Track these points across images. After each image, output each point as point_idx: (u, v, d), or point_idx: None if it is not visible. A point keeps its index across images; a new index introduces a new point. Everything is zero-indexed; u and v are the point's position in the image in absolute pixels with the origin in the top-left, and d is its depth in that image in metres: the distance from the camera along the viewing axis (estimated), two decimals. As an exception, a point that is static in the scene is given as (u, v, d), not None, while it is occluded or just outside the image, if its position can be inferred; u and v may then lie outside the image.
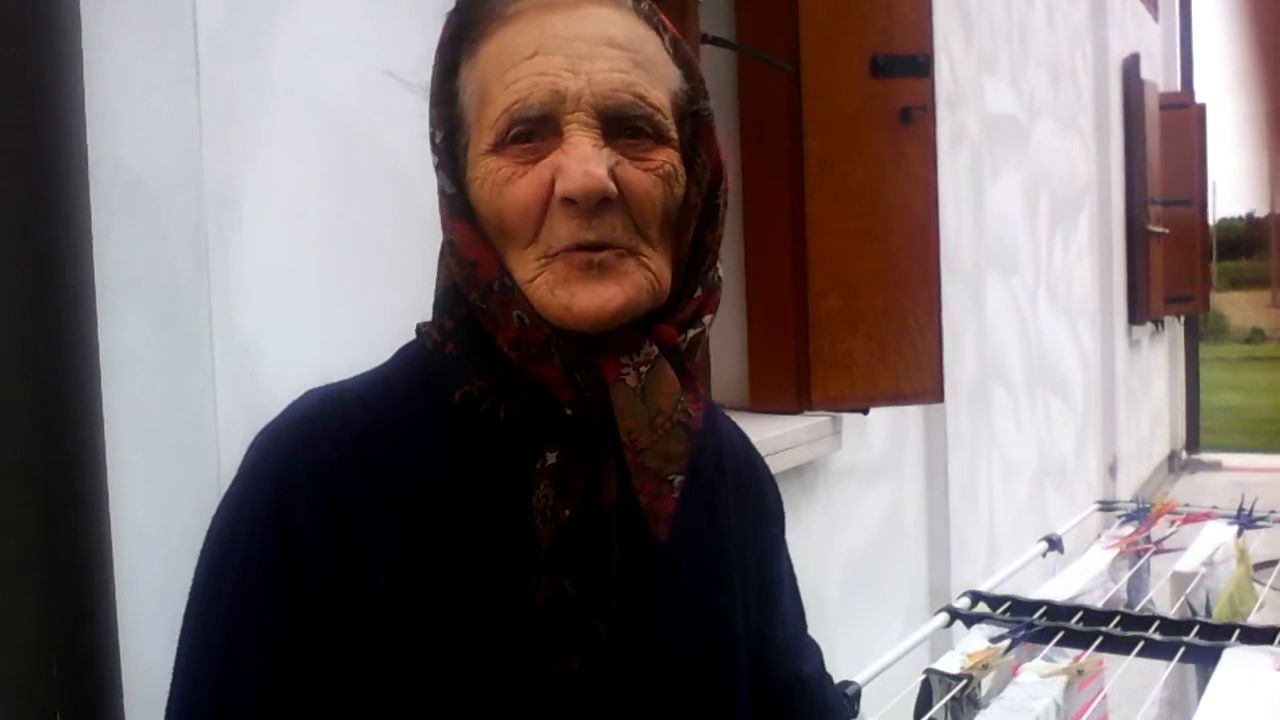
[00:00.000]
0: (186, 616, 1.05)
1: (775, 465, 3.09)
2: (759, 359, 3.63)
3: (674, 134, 1.04)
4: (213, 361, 1.62)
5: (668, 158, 1.03)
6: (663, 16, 1.09)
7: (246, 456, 1.07)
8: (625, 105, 1.00)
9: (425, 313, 1.12)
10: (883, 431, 4.21)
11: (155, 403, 1.63)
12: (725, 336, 3.61)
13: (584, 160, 0.97)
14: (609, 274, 0.99)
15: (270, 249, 1.70)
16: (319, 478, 1.02)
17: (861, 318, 3.47)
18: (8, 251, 1.53)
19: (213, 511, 1.07)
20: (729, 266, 3.54)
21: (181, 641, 1.05)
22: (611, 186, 0.97)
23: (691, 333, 1.07)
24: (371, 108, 1.87)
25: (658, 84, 1.03)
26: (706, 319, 1.09)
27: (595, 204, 0.97)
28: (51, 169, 1.57)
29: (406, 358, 1.13)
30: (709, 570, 1.18)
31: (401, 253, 1.89)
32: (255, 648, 1.01)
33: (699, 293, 1.08)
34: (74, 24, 1.58)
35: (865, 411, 3.66)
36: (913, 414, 4.47)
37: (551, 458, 1.04)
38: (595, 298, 0.99)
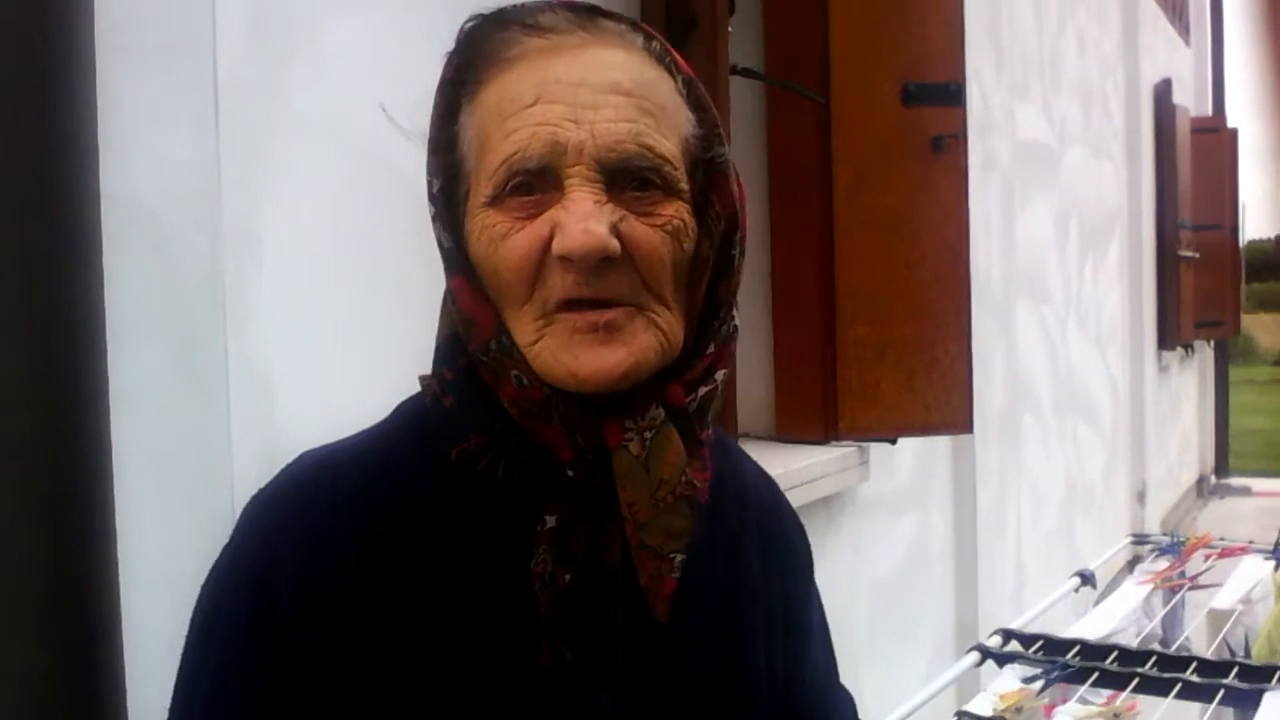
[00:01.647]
0: (178, 677, 1.03)
1: (802, 496, 3.08)
2: (786, 388, 3.59)
3: (684, 185, 0.99)
4: (228, 398, 1.60)
5: (676, 211, 0.97)
6: (676, 56, 1.03)
7: (240, 520, 1.04)
8: (631, 157, 0.95)
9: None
10: (910, 461, 4.16)
11: (168, 440, 1.61)
12: (752, 365, 3.57)
13: (583, 218, 0.92)
14: (615, 335, 0.94)
15: (288, 285, 1.68)
16: (306, 546, 0.99)
17: (890, 347, 3.42)
18: (19, 286, 1.51)
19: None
20: (756, 295, 3.50)
21: (172, 703, 1.03)
22: (614, 245, 0.92)
23: (703, 391, 1.02)
24: (392, 142, 1.83)
25: (668, 132, 0.98)
26: (719, 375, 1.03)
27: (596, 263, 0.92)
28: (65, 205, 1.55)
29: (407, 412, 1.10)
30: (729, 624, 1.13)
31: (421, 289, 1.86)
32: (237, 715, 0.98)
33: (712, 349, 1.03)
34: (89, 60, 1.56)
35: (893, 441, 3.61)
36: (941, 443, 4.42)
37: (551, 520, 0.99)
38: (601, 361, 0.94)
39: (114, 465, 1.60)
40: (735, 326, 1.06)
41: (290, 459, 1.08)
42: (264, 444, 1.62)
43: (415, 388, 1.10)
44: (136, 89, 1.59)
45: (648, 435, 0.96)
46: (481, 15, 1.03)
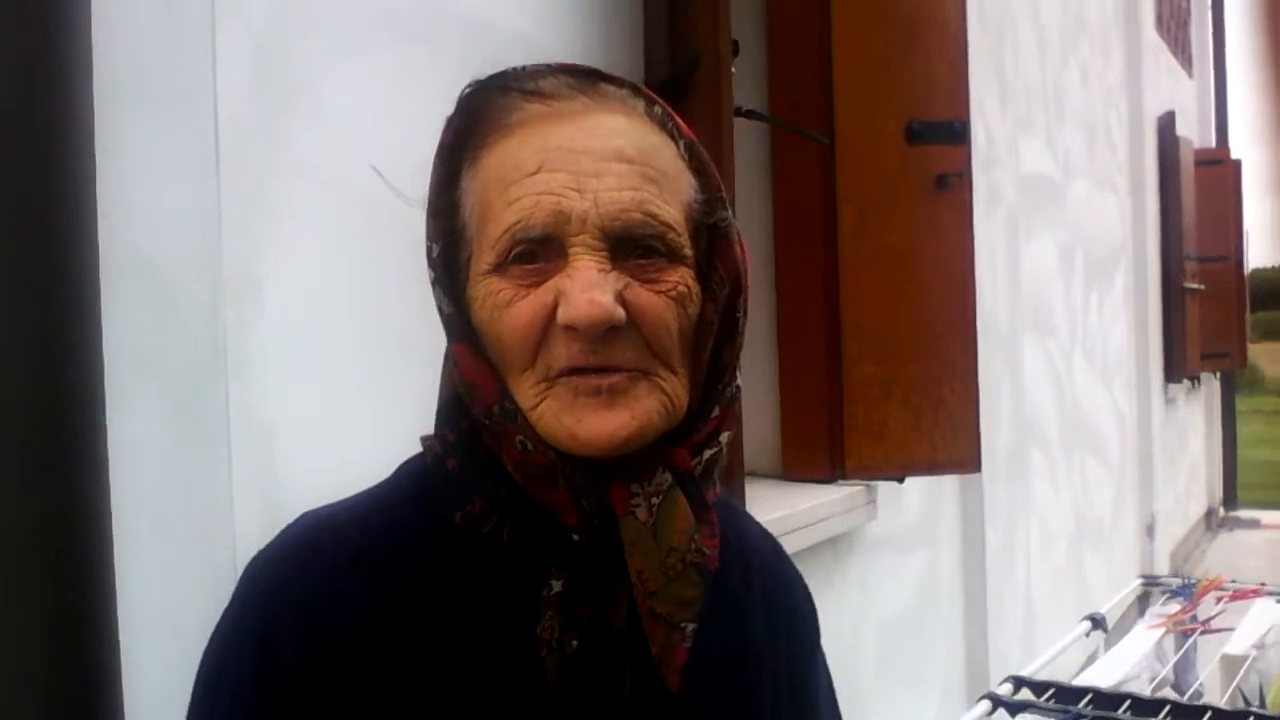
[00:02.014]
0: None
1: (809, 537, 3.06)
2: (792, 427, 3.57)
3: (688, 251, 0.98)
4: (229, 449, 1.58)
5: (681, 277, 0.97)
6: (678, 120, 1.03)
7: (241, 580, 1.03)
8: (635, 225, 0.94)
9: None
10: (918, 499, 4.14)
11: (168, 490, 1.59)
12: (758, 404, 3.55)
13: (588, 287, 0.91)
14: (619, 399, 0.94)
15: (289, 333, 1.66)
16: (307, 610, 0.98)
17: (897, 385, 3.40)
18: (17, 336, 1.49)
19: (225, 602, 1.04)
20: (761, 334, 3.50)
21: None
22: (619, 313, 0.92)
23: (708, 454, 1.01)
24: (395, 186, 1.83)
25: (670, 199, 0.97)
26: (724, 437, 1.03)
27: (601, 332, 0.92)
28: (64, 255, 1.53)
29: (408, 473, 1.09)
30: (735, 690, 1.11)
31: (425, 339, 1.85)
32: None
33: (716, 411, 1.02)
34: (88, 108, 1.55)
35: (901, 480, 3.59)
36: (948, 480, 4.39)
37: (557, 585, 0.98)
38: (604, 425, 0.93)
39: (113, 517, 1.58)
40: (738, 387, 1.06)
41: (292, 509, 1.07)
42: (265, 494, 1.61)
43: (418, 435, 1.09)
44: (136, 137, 1.58)
45: (655, 501, 0.95)
46: (480, 81, 1.02)
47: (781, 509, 2.95)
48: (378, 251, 1.80)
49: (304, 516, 1.06)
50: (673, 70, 2.49)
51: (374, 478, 1.11)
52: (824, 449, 3.43)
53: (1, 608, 1.47)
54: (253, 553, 1.05)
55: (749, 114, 3.07)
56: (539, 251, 0.94)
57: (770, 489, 3.34)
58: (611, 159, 0.95)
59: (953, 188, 3.41)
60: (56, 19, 1.52)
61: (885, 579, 3.89)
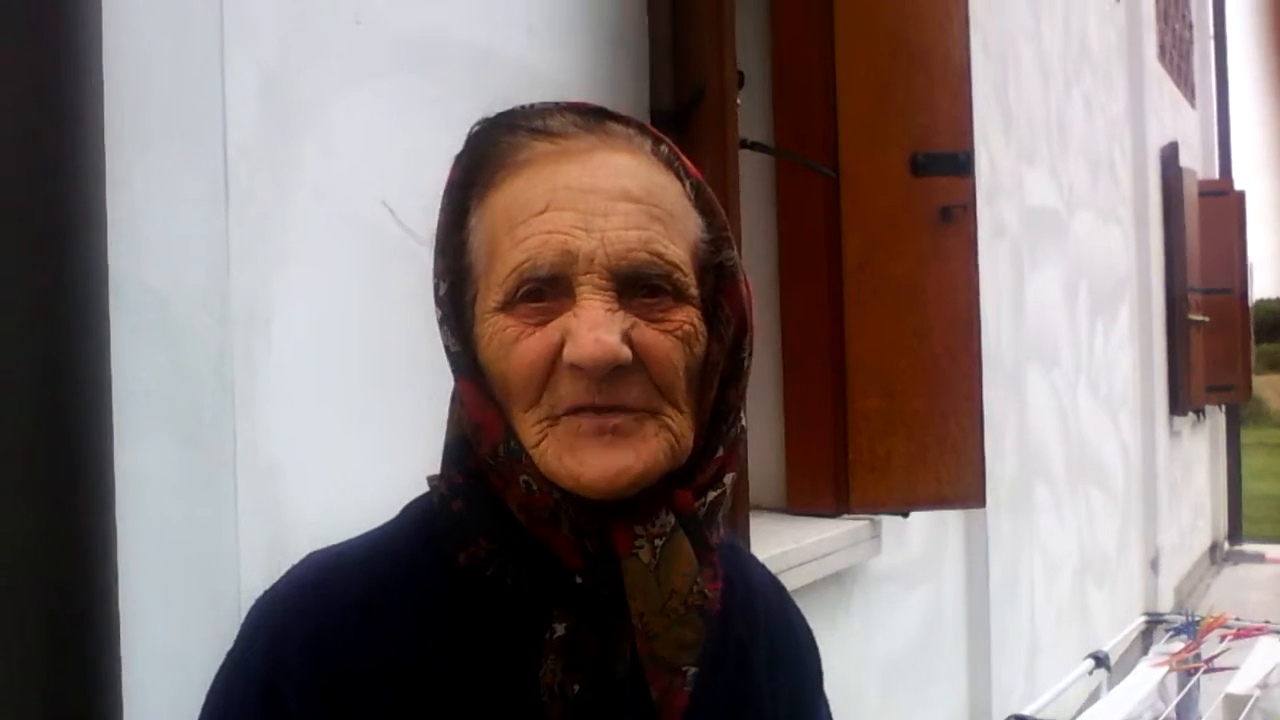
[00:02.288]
0: None
1: (814, 571, 3.05)
2: (797, 460, 3.56)
3: (694, 291, 0.98)
4: (235, 485, 1.57)
5: (687, 317, 0.97)
6: (684, 160, 1.03)
7: (246, 621, 1.03)
8: (642, 265, 0.94)
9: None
10: (922, 533, 4.12)
11: (174, 527, 1.59)
12: (763, 438, 3.54)
13: (595, 326, 0.91)
14: (624, 439, 0.93)
15: (299, 369, 1.66)
16: (312, 651, 0.97)
17: (901, 419, 3.39)
18: (27, 371, 1.49)
19: (231, 639, 1.03)
20: (766, 367, 3.49)
21: None
22: (625, 353, 0.91)
23: (711, 495, 1.00)
24: (406, 220, 1.83)
25: (677, 238, 0.97)
26: (728, 478, 1.02)
27: (608, 372, 0.91)
28: (72, 289, 1.53)
29: (413, 514, 1.08)
30: None
31: (434, 376, 1.84)
32: None
33: (720, 452, 1.02)
34: (98, 140, 1.55)
35: (905, 515, 3.58)
36: (952, 515, 4.37)
37: (560, 629, 0.97)
38: (607, 467, 0.92)
39: (119, 552, 1.57)
40: (743, 428, 1.05)
41: (297, 546, 1.07)
42: (271, 531, 1.60)
43: (425, 474, 1.09)
44: (146, 169, 1.58)
45: (658, 543, 0.95)
46: (488, 119, 1.02)
47: (786, 543, 2.94)
48: (387, 285, 1.80)
49: (310, 557, 1.05)
50: (678, 102, 2.49)
51: (381, 516, 1.10)
52: (828, 483, 3.42)
53: (5, 639, 1.47)
54: (257, 589, 1.05)
55: (754, 146, 3.07)
56: (546, 290, 0.94)
57: (774, 523, 3.32)
58: (618, 198, 0.95)
59: (957, 219, 3.40)
60: (67, 52, 1.52)
61: (889, 614, 3.87)
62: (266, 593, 1.04)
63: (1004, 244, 4.98)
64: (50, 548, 1.51)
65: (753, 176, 3.43)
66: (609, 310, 0.92)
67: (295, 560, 1.06)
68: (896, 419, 3.38)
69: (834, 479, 3.40)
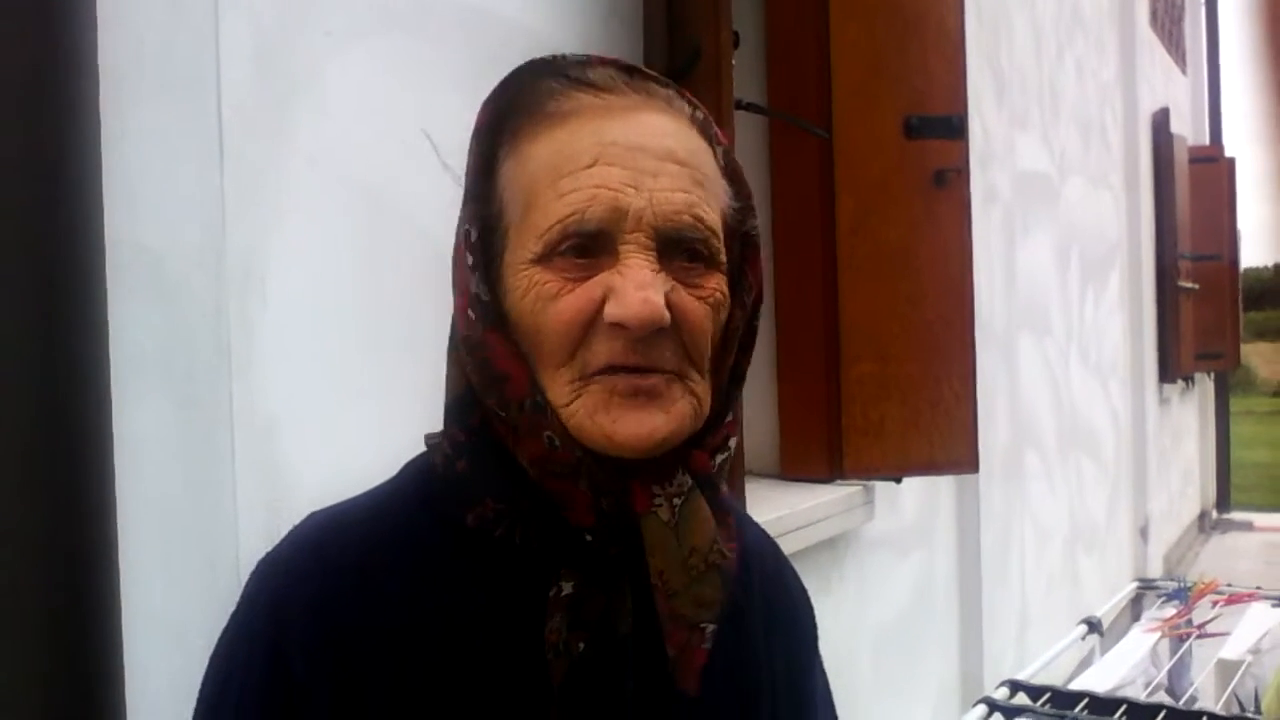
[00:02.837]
0: None
1: (807, 537, 3.05)
2: (790, 426, 3.56)
3: (724, 258, 0.98)
4: (232, 446, 1.56)
5: (718, 284, 0.97)
6: (717, 128, 1.02)
7: (248, 583, 1.02)
8: (685, 228, 0.94)
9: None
10: (915, 499, 4.13)
11: (172, 490, 1.57)
12: (757, 403, 3.53)
13: (642, 286, 0.90)
14: (655, 401, 0.93)
15: (295, 329, 1.65)
16: (315, 612, 0.96)
17: (895, 384, 3.39)
18: (22, 331, 1.47)
19: (230, 603, 1.02)
20: (760, 333, 3.47)
21: None
22: (668, 316, 0.91)
23: (720, 458, 1.01)
24: (401, 180, 1.81)
25: (713, 204, 0.97)
26: (733, 442, 1.03)
27: (648, 333, 0.91)
28: (68, 249, 1.51)
29: (414, 473, 1.07)
30: (737, 696, 1.11)
31: (432, 333, 1.83)
32: None
33: (730, 416, 1.02)
34: (92, 101, 1.53)
35: (898, 480, 3.57)
36: (945, 481, 4.38)
37: (567, 587, 0.97)
38: (640, 426, 0.92)
39: (118, 514, 1.56)
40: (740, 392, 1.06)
41: (295, 506, 1.06)
42: (269, 491, 1.59)
43: (423, 433, 1.08)
44: (140, 127, 1.56)
45: (676, 502, 0.95)
46: (523, 65, 1.01)
47: (780, 509, 2.94)
48: (383, 245, 1.79)
49: (311, 517, 1.04)
50: (673, 62, 2.47)
51: (380, 476, 1.09)
52: (822, 448, 3.42)
53: (3, 604, 1.46)
54: (256, 551, 1.04)
55: (749, 107, 3.05)
56: (589, 246, 0.93)
57: (769, 489, 3.32)
58: (666, 159, 0.94)
59: (951, 184, 3.39)
60: (61, 10, 1.50)
61: (882, 580, 3.88)
62: (270, 554, 1.03)
63: (996, 210, 4.97)
64: (48, 512, 1.50)
65: (746, 139, 3.41)
66: (654, 271, 0.92)
67: (294, 521, 1.05)
68: (890, 384, 3.37)
69: (828, 444, 3.39)
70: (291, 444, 1.63)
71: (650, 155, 0.93)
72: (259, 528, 1.56)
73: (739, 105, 2.89)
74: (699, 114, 1.01)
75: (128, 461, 1.56)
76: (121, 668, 1.56)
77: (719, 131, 1.02)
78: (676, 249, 0.94)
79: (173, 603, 1.56)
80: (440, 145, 1.85)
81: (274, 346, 1.61)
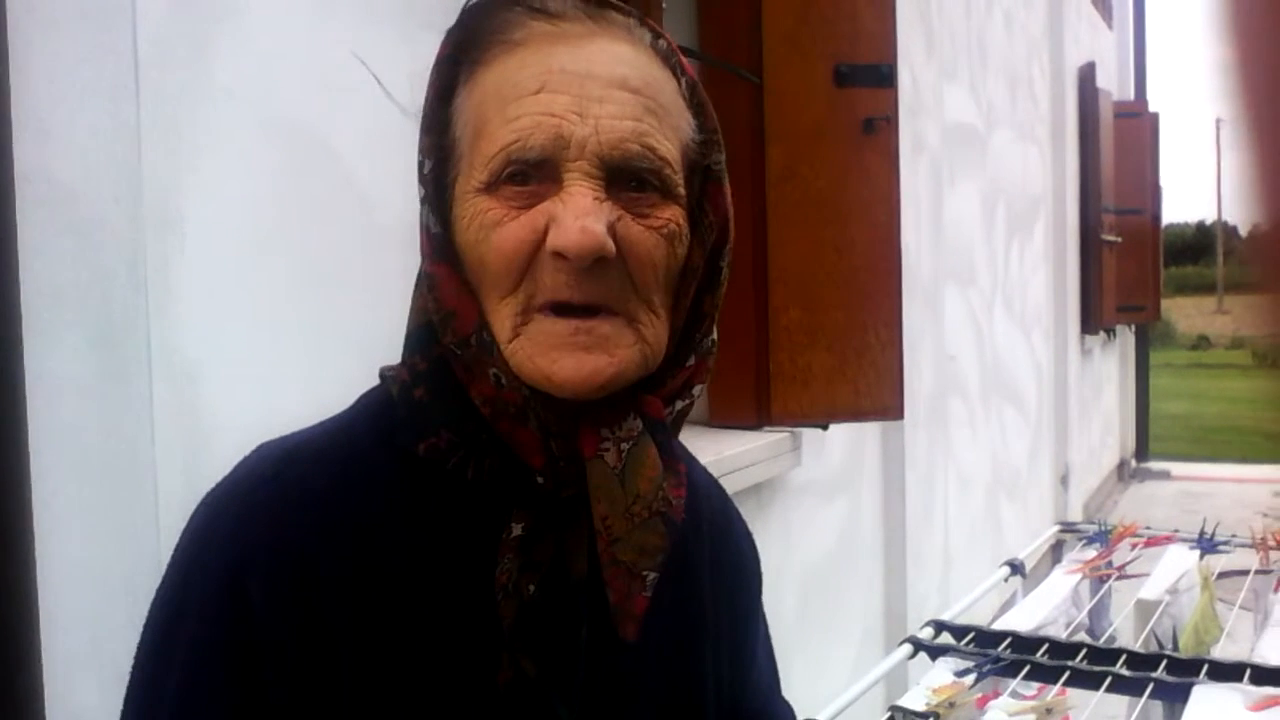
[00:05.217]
0: (132, 685, 0.96)
1: (734, 483, 3.05)
2: (718, 372, 3.53)
3: (682, 190, 0.96)
4: (150, 387, 1.53)
5: (673, 215, 0.94)
6: (681, 58, 1.00)
7: (196, 515, 0.98)
8: (633, 156, 0.91)
9: (378, 335, 1.04)
10: (840, 447, 4.16)
11: (87, 431, 1.53)
12: (684, 350, 3.52)
13: (582, 214, 0.88)
14: (598, 344, 0.91)
15: (213, 267, 1.61)
16: (276, 547, 0.93)
17: (822, 331, 3.40)
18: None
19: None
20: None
21: (126, 706, 0.96)
22: (610, 245, 0.89)
23: (679, 404, 1.00)
24: (322, 116, 1.78)
25: (670, 134, 0.95)
26: (696, 389, 1.01)
27: (589, 264, 0.89)
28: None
29: (369, 405, 1.04)
30: (681, 637, 1.11)
31: (354, 273, 1.81)
32: None
33: (691, 361, 1.00)
34: None
35: (825, 427, 3.59)
36: (870, 428, 4.42)
37: (517, 528, 0.95)
38: (581, 367, 0.90)
39: (30, 456, 1.52)
40: (714, 340, 1.03)
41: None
42: (188, 434, 1.56)
43: (354, 378, 1.06)
44: (51, 57, 1.51)
45: (625, 446, 0.93)
46: None
47: (708, 455, 2.94)
48: (309, 181, 1.75)
49: (261, 448, 1.01)
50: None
51: (307, 418, 1.06)
52: (749, 395, 3.43)
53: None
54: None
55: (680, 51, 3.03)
56: (533, 174, 0.91)
57: (696, 435, 3.33)
58: (615, 86, 0.92)
59: (880, 131, 3.40)
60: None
61: (808, 525, 3.91)
62: (219, 485, 0.99)
63: (924, 160, 4.99)
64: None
65: (676, 85, 3.39)
66: (597, 199, 0.90)
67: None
68: (817, 331, 3.39)
69: (755, 391, 3.40)
70: (213, 386, 1.60)
71: (599, 83, 0.91)
72: (178, 470, 1.53)
73: (669, 49, 2.87)
74: (661, 43, 0.99)
75: (41, 401, 1.52)
76: (36, 611, 1.52)
77: (684, 62, 1.00)
78: (624, 178, 0.92)
79: (89, 546, 1.52)
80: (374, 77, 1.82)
81: (195, 286, 1.58)
